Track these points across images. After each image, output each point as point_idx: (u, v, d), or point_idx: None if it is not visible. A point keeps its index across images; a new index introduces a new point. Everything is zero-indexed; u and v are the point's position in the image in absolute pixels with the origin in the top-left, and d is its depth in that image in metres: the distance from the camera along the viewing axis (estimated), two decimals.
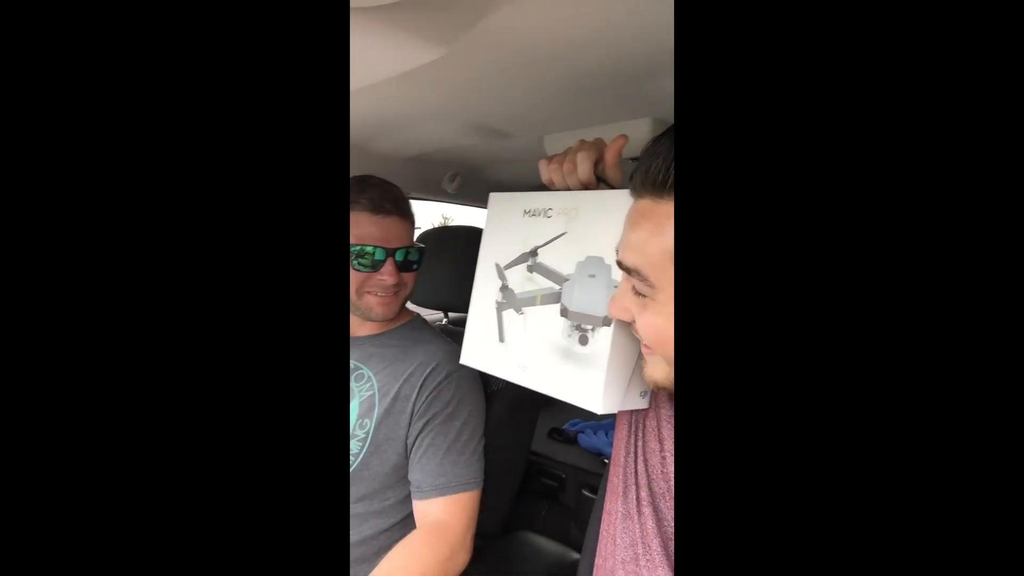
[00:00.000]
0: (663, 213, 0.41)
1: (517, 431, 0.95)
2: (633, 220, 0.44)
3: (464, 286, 1.11)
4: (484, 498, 0.83)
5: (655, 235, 0.41)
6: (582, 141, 0.59)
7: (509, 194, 0.64)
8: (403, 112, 0.90)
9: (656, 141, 0.44)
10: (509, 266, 0.62)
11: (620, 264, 0.45)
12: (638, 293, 0.44)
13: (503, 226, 0.63)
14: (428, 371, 0.84)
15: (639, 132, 1.05)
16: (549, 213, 0.57)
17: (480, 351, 0.65)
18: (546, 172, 0.59)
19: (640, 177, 0.43)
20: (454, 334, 0.95)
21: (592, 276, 0.52)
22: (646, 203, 0.43)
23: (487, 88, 0.80)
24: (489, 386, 0.92)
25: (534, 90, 0.80)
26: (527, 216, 0.60)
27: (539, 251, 0.58)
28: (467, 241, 1.11)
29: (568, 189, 0.58)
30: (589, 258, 0.53)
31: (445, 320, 1.18)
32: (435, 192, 1.36)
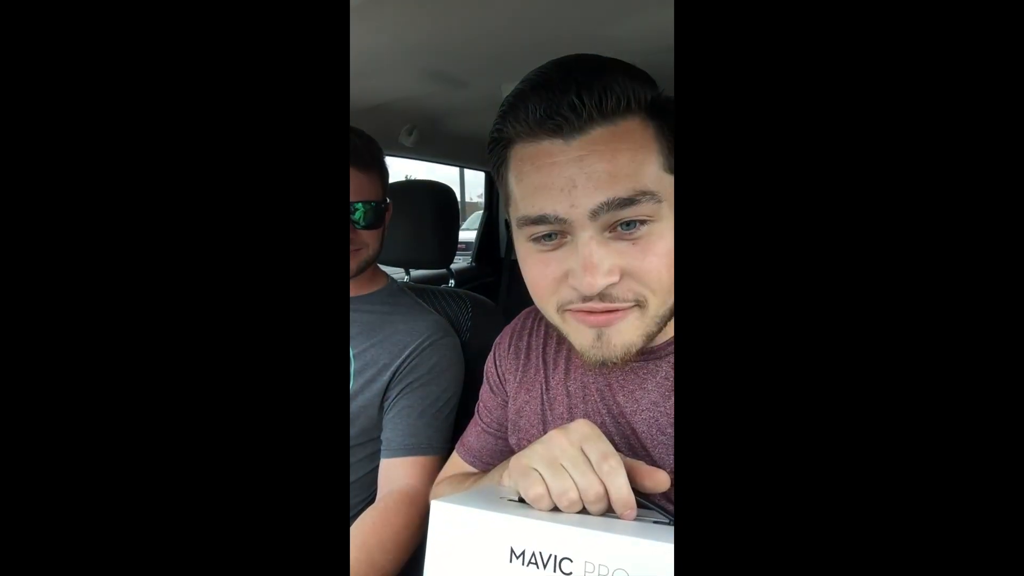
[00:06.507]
0: (623, 137, 0.40)
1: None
2: (600, 152, 0.39)
3: (425, 243, 1.09)
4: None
5: (640, 151, 0.40)
6: (592, 437, 0.37)
7: (468, 510, 0.34)
8: (357, 58, 0.85)
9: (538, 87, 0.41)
10: None
11: (609, 204, 0.39)
12: (627, 231, 0.40)
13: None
14: (413, 342, 0.81)
15: None
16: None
17: None
18: (534, 487, 0.36)
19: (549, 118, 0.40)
20: (416, 291, 0.94)
21: None
22: (598, 133, 0.40)
23: (445, 31, 0.76)
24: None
25: (493, 35, 0.77)
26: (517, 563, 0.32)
27: None
28: (429, 196, 1.09)
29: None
30: None
31: (407, 277, 1.16)
32: (392, 147, 1.31)
